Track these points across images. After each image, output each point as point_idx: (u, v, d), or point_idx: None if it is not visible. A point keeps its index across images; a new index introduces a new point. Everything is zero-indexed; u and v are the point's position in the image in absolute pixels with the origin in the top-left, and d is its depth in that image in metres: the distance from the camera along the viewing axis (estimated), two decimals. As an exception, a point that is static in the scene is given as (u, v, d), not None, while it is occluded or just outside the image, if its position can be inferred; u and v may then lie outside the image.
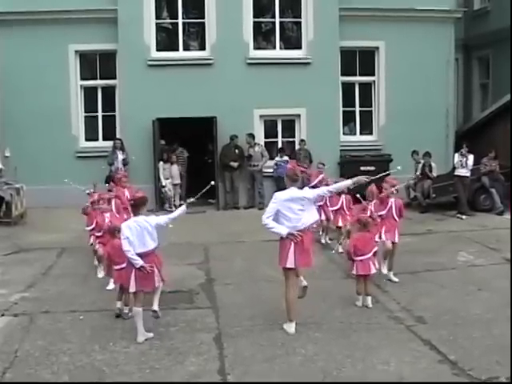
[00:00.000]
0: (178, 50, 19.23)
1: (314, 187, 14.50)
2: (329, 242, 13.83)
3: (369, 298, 9.35)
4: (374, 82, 20.33)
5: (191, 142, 20.94)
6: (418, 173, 18.25)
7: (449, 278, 10.87)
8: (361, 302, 9.29)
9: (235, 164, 18.74)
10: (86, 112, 19.69)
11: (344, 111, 20.17)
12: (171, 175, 19.06)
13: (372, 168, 18.49)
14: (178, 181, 19.32)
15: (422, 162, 18.30)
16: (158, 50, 19.10)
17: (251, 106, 18.90)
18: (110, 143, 18.67)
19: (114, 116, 19.52)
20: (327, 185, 13.89)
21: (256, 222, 14.60)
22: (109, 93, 19.62)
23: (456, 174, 17.16)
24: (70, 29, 18.55)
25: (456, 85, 22.55)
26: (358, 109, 20.55)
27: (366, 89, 20.50)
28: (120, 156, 18.19)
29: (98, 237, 10.95)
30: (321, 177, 14.69)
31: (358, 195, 12.04)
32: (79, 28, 18.53)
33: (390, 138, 19.60)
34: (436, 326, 8.43)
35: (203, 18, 19.09)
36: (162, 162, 18.84)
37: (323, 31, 18.95)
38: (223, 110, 18.46)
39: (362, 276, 9.40)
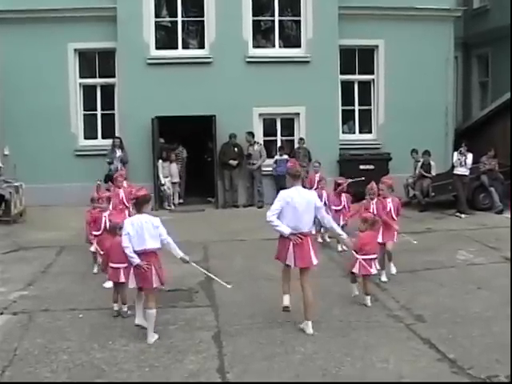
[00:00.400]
0: (177, 48, 19.22)
1: (315, 189, 14.67)
2: (328, 240, 13.82)
3: (368, 298, 9.35)
4: (374, 80, 20.32)
5: (190, 141, 20.96)
6: (417, 171, 18.27)
7: (448, 277, 10.88)
8: (356, 291, 9.32)
9: (234, 162, 18.73)
10: (85, 110, 19.68)
11: (343, 110, 20.16)
12: (170, 174, 19.08)
13: (371, 167, 18.55)
14: (177, 179, 19.35)
15: (421, 160, 18.31)
16: (157, 48, 19.08)
17: (250, 104, 18.89)
18: (109, 141, 18.65)
19: (114, 114, 19.49)
20: (320, 181, 14.09)
21: (255, 221, 14.72)
22: (108, 91, 19.61)
23: (455, 172, 17.15)
24: (70, 27, 18.53)
25: (455, 83, 22.54)
26: (357, 107, 20.54)
27: (366, 87, 20.49)
28: (119, 154, 18.17)
29: (96, 235, 10.93)
30: (318, 177, 14.71)
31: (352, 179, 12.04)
32: (78, 26, 18.51)
33: (389, 136, 19.59)
34: (435, 325, 8.43)
35: (202, 16, 19.08)
36: (161, 161, 18.84)
37: (322, 30, 18.94)
38: (222, 109, 18.43)
39: (363, 276, 9.39)
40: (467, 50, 24.77)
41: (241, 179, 19.11)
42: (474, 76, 24.88)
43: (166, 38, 19.56)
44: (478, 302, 9.47)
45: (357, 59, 20.30)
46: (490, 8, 23.53)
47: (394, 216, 10.79)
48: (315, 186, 14.82)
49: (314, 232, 13.98)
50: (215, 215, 17.91)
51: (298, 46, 19.49)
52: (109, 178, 14.78)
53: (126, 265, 8.42)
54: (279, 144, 19.64)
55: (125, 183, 13.23)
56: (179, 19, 19.16)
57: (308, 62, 19.15)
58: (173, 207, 18.79)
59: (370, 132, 20.56)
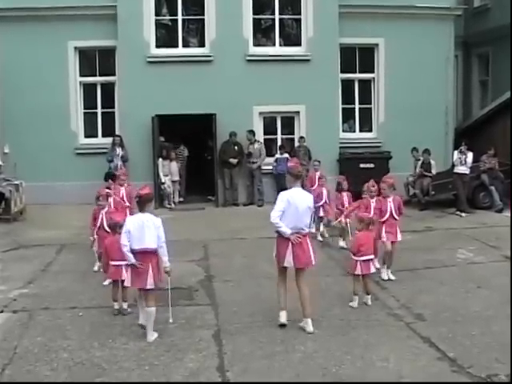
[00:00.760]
0: (177, 46, 19.22)
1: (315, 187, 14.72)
2: (326, 235, 13.82)
3: (368, 297, 9.35)
4: (374, 79, 20.31)
5: (191, 139, 20.96)
6: (417, 170, 18.27)
7: (448, 276, 10.88)
8: (356, 303, 9.24)
9: (234, 161, 18.73)
10: (85, 108, 19.66)
11: (343, 108, 20.15)
12: (170, 172, 19.06)
13: (371, 165, 18.55)
14: (177, 178, 19.34)
15: (422, 159, 18.31)
16: (157, 46, 19.08)
17: (251, 102, 18.89)
18: (109, 140, 18.64)
19: (114, 112, 19.48)
20: (320, 179, 14.11)
21: (255, 219, 14.75)
22: (108, 89, 19.59)
23: (455, 171, 17.15)
24: (70, 25, 18.52)
25: (455, 82, 22.54)
26: (357, 106, 20.53)
27: (366, 86, 20.49)
28: (119, 152, 18.16)
29: (96, 233, 10.92)
30: (318, 175, 14.74)
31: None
32: (78, 24, 18.50)
33: (389, 135, 19.58)
34: (435, 324, 8.44)
35: (203, 14, 19.07)
36: (161, 159, 18.83)
37: (323, 28, 18.94)
38: (223, 107, 18.43)
39: (363, 275, 9.37)
40: (467, 48, 24.76)
41: (241, 178, 19.10)
42: (475, 75, 24.87)
43: (166, 36, 19.55)
44: (478, 300, 9.47)
45: (357, 58, 20.29)
46: (490, 7, 23.52)
47: (396, 215, 10.76)
48: (316, 185, 14.87)
49: (313, 230, 14.13)
50: (215, 214, 17.91)
51: (299, 44, 19.48)
52: (109, 176, 14.75)
53: (126, 262, 8.42)
54: (279, 142, 19.62)
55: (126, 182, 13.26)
56: (179, 17, 19.15)
57: (308, 60, 19.14)
58: (173, 206, 18.78)
59: (371, 130, 20.55)
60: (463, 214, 16.83)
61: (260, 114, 19.39)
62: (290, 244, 8.10)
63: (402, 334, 8.09)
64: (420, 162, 18.36)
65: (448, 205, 17.67)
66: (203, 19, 19.09)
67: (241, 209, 18.58)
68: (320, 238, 13.79)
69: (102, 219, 10.66)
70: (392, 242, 10.71)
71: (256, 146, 18.85)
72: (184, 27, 19.33)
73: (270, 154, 19.27)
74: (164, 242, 7.99)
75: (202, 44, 19.28)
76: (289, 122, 19.86)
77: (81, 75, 19.47)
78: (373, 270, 9.51)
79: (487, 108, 21.72)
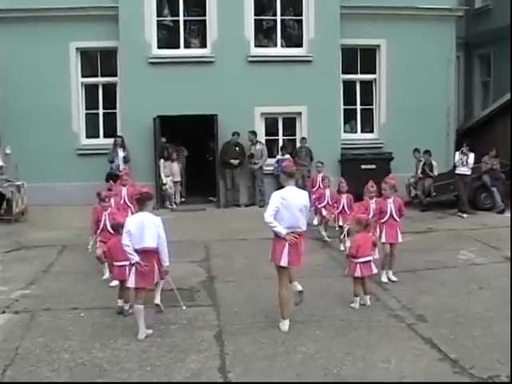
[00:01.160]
0: (179, 47, 19.22)
1: (319, 188, 14.74)
2: (328, 240, 13.81)
3: (367, 297, 9.34)
4: (375, 80, 20.30)
5: (192, 140, 20.97)
6: (419, 171, 18.26)
7: (449, 277, 10.88)
8: (358, 304, 9.24)
9: (236, 161, 18.73)
10: (86, 109, 19.68)
11: (345, 109, 20.16)
12: (172, 173, 19.06)
13: (373, 166, 18.55)
14: (178, 178, 19.35)
15: (423, 160, 18.30)
16: (159, 47, 19.07)
17: (252, 103, 18.89)
18: (110, 140, 18.64)
19: (115, 113, 19.50)
20: (323, 180, 14.14)
21: (257, 220, 14.64)
22: (110, 90, 19.60)
23: (457, 172, 17.13)
24: (71, 26, 18.53)
25: (457, 83, 22.55)
26: (358, 107, 20.52)
27: (367, 87, 20.48)
28: (121, 153, 18.18)
29: (98, 234, 10.90)
30: (320, 176, 14.77)
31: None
32: (80, 25, 18.51)
33: (390, 136, 19.58)
34: (437, 325, 8.44)
35: (204, 15, 19.07)
36: (162, 160, 18.84)
37: (324, 29, 18.93)
38: (224, 108, 18.43)
39: (363, 277, 9.37)
40: (469, 49, 24.75)
41: (242, 178, 19.11)
42: (476, 76, 24.86)
43: (167, 37, 19.54)
44: (479, 301, 9.47)
45: (358, 59, 20.28)
46: (491, 8, 23.50)
47: (396, 217, 10.73)
48: (317, 186, 14.89)
49: (315, 222, 14.15)
50: (217, 214, 17.92)
51: (300, 45, 19.47)
52: (110, 177, 14.76)
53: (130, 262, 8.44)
54: (281, 143, 19.61)
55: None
56: (181, 18, 19.15)
57: (310, 61, 19.13)
58: (174, 206, 18.78)
59: (372, 131, 20.54)
60: (465, 215, 16.82)
61: (261, 114, 19.39)
62: (287, 244, 8.11)
63: (403, 335, 8.09)
64: (421, 163, 18.35)
65: (449, 206, 17.66)
66: (205, 20, 19.09)
67: (242, 210, 18.58)
68: (327, 239, 13.80)
69: (105, 220, 10.65)
70: (392, 244, 10.69)
71: (258, 146, 18.85)
72: (185, 28, 19.33)
73: (271, 154, 19.27)
74: (164, 241, 8.00)
75: (203, 45, 19.27)
76: (290, 123, 19.85)
77: (82, 76, 19.48)
78: (375, 271, 9.52)
79: (489, 109, 21.69)
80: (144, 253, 7.92)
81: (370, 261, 9.39)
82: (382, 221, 10.64)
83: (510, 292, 9.44)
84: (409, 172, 18.53)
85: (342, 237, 12.59)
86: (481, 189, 17.81)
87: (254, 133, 18.81)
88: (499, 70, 22.66)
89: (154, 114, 18.45)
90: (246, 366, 7.15)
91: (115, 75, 19.29)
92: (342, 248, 12.81)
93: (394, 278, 10.65)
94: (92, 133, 19.68)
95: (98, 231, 10.78)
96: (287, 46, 19.66)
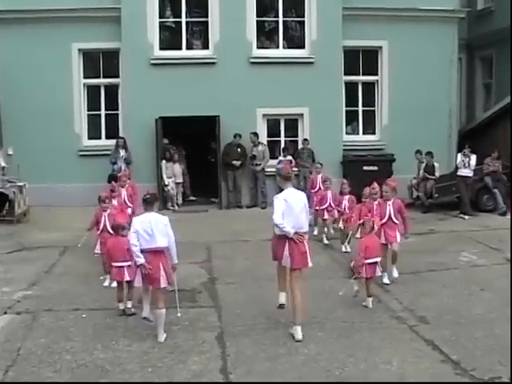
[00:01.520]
0: (181, 48, 19.23)
1: (319, 190, 14.73)
2: (327, 242, 13.81)
3: (370, 300, 9.35)
4: (377, 81, 20.29)
5: (194, 141, 20.97)
6: (421, 173, 18.26)
7: (451, 278, 10.88)
8: (370, 303, 9.29)
9: (237, 163, 18.73)
10: (88, 110, 19.69)
11: (347, 111, 20.14)
12: (174, 174, 19.07)
13: (375, 168, 18.54)
14: (180, 179, 19.35)
15: (425, 161, 18.30)
16: (161, 48, 19.09)
17: (254, 105, 18.89)
18: (112, 142, 18.67)
19: (117, 114, 19.50)
20: (325, 181, 14.13)
21: (259, 221, 14.72)
22: (112, 91, 19.62)
23: (459, 174, 17.15)
24: (74, 27, 18.54)
25: (459, 85, 22.53)
26: (360, 108, 20.51)
27: (369, 88, 20.48)
28: (123, 154, 18.18)
29: (98, 235, 10.90)
30: (320, 178, 14.78)
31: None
32: (82, 26, 18.53)
33: (392, 137, 19.56)
34: (438, 326, 8.44)
35: (206, 16, 19.08)
36: (164, 161, 18.85)
37: (326, 31, 18.93)
38: (226, 109, 18.44)
39: (367, 278, 9.38)
40: (471, 51, 24.74)
41: (244, 180, 19.10)
42: (478, 77, 24.86)
43: (170, 38, 19.57)
44: (481, 303, 9.47)
45: (361, 60, 20.27)
46: (493, 9, 23.50)
47: (394, 219, 10.72)
48: (317, 188, 14.88)
49: (315, 233, 14.14)
50: (219, 216, 17.92)
51: (302, 46, 19.47)
52: (112, 178, 14.78)
53: (129, 263, 8.44)
54: (283, 145, 19.61)
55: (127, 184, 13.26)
56: (183, 20, 19.16)
57: (312, 62, 19.13)
58: (176, 208, 18.80)
59: (374, 133, 20.53)
60: (466, 217, 16.82)
61: (263, 116, 19.40)
62: (287, 244, 8.13)
63: (405, 337, 8.10)
64: (423, 165, 18.35)
65: (451, 207, 17.66)
66: (207, 21, 19.10)
67: (244, 211, 18.59)
68: (326, 241, 13.81)
69: (105, 221, 10.65)
70: (391, 243, 10.69)
71: (260, 148, 18.85)
72: (188, 29, 19.34)
73: (273, 156, 19.24)
74: (173, 240, 8.04)
75: (205, 46, 19.28)
76: (292, 125, 19.86)
77: (84, 77, 19.49)
78: (378, 273, 9.54)
79: (490, 111, 21.69)
80: (152, 253, 7.93)
81: (376, 262, 9.41)
82: (381, 222, 10.64)
83: (511, 294, 9.44)
84: (411, 173, 18.52)
85: (346, 239, 12.60)
86: (483, 190, 17.81)
87: (255, 134, 18.81)
88: (501, 71, 22.64)
89: (155, 115, 18.46)
90: (248, 367, 7.16)
91: (117, 76, 19.30)
92: (344, 250, 12.83)
93: (395, 275, 10.65)
94: (94, 134, 19.69)
95: (98, 232, 10.78)
96: (289, 48, 19.66)
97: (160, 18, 19.13)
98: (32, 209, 17.04)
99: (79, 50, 19.11)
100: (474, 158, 16.97)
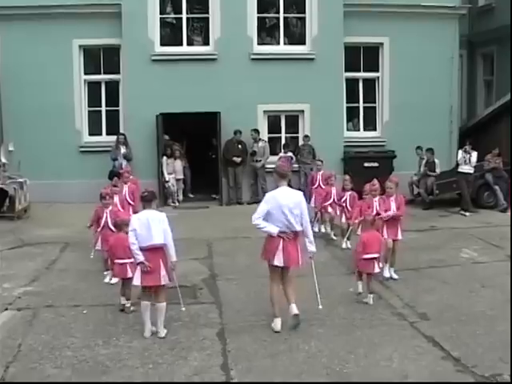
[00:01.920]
0: (181, 45, 19.21)
1: (318, 187, 14.74)
2: (334, 238, 13.82)
3: (371, 296, 9.35)
4: (378, 78, 20.27)
5: (195, 138, 20.96)
6: (422, 169, 18.26)
7: (452, 275, 10.88)
8: (371, 300, 9.29)
9: (238, 159, 18.72)
10: (89, 107, 19.66)
11: (348, 107, 20.13)
12: (174, 170, 19.07)
13: (376, 164, 18.54)
14: (181, 176, 19.35)
15: (426, 158, 18.30)
16: (161, 44, 19.06)
17: (255, 101, 18.88)
18: (113, 138, 18.65)
19: (118, 111, 19.48)
20: (328, 180, 14.13)
21: (259, 218, 14.65)
22: (112, 87, 19.60)
23: (459, 170, 17.13)
24: (74, 23, 18.51)
25: (460, 81, 22.50)
26: (361, 105, 20.51)
27: (370, 85, 20.47)
28: (123, 151, 18.18)
29: (99, 232, 10.86)
30: (320, 174, 14.80)
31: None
32: (83, 23, 18.49)
33: (393, 134, 19.55)
34: (439, 323, 8.44)
35: (207, 13, 19.06)
36: (165, 157, 18.84)
37: (327, 27, 18.90)
38: (227, 106, 18.43)
39: (366, 274, 9.40)
40: (472, 48, 24.70)
41: (245, 176, 19.08)
42: (479, 74, 24.82)
43: (170, 34, 19.54)
44: (481, 300, 9.47)
45: (362, 57, 20.26)
46: (495, 6, 23.45)
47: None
48: (317, 184, 14.89)
49: (316, 229, 14.15)
50: (219, 212, 17.92)
51: (303, 43, 19.45)
52: (113, 175, 14.77)
53: (132, 260, 8.42)
54: (284, 141, 19.60)
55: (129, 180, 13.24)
56: (184, 16, 19.14)
57: (313, 59, 19.12)
58: (177, 204, 18.80)
59: (375, 129, 20.52)
60: (467, 214, 16.81)
61: (264, 112, 19.39)
62: (281, 242, 8.11)
63: (405, 334, 8.10)
64: (424, 161, 18.34)
65: (452, 204, 17.65)
66: (208, 18, 19.08)
67: (245, 207, 18.52)
68: (333, 237, 13.83)
69: (107, 218, 10.62)
70: (393, 240, 10.69)
71: (260, 144, 18.85)
72: (188, 26, 19.32)
73: (274, 152, 19.23)
74: (170, 237, 8.01)
75: (206, 42, 19.26)
76: (293, 121, 19.85)
77: (85, 73, 19.46)
78: (377, 269, 9.54)
79: (491, 107, 21.65)
80: (151, 250, 7.92)
81: (375, 258, 9.42)
82: (384, 218, 10.65)
83: (511, 290, 9.44)
84: (411, 170, 18.52)
85: (347, 235, 12.63)
86: (483, 187, 17.80)
87: (256, 131, 18.81)
88: (502, 68, 22.61)
89: (156, 111, 18.44)
90: (249, 363, 7.16)
91: (118, 73, 19.29)
92: (344, 246, 12.84)
93: (395, 276, 10.65)
94: (95, 130, 19.67)
95: (99, 229, 10.75)
96: (290, 44, 19.65)
97: (161, 14, 19.10)
98: (33, 205, 17.04)
99: (80, 46, 19.07)
100: (474, 154, 16.96)
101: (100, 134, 19.69)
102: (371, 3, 19.19)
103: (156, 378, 6.86)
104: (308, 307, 8.52)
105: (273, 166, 18.51)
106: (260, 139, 18.88)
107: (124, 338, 7.96)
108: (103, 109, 19.73)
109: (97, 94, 19.66)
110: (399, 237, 10.72)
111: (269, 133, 19.65)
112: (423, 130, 19.27)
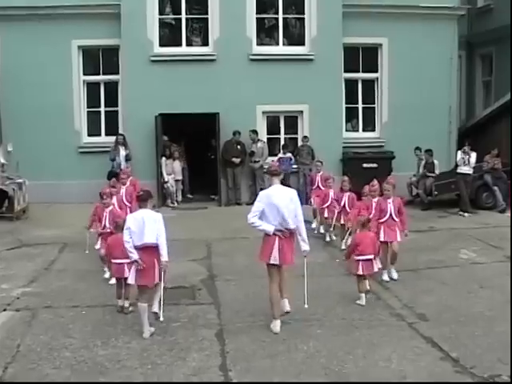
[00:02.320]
0: (180, 45, 19.21)
1: (317, 188, 14.75)
2: (334, 238, 13.82)
3: (363, 296, 9.31)
4: (377, 78, 20.27)
5: (194, 138, 20.95)
6: (420, 170, 18.26)
7: (451, 276, 10.88)
8: (364, 301, 9.27)
9: (237, 160, 18.71)
10: (88, 107, 19.65)
11: (347, 108, 20.13)
12: (173, 171, 19.07)
13: (374, 165, 18.54)
14: (179, 177, 19.35)
15: (424, 158, 18.31)
16: (160, 45, 19.06)
17: (254, 102, 18.87)
18: (112, 138, 18.63)
19: (117, 111, 19.47)
20: (327, 180, 14.12)
21: (258, 219, 14.66)
22: (111, 88, 19.59)
23: (458, 171, 17.13)
24: (73, 24, 18.51)
25: (459, 82, 22.52)
26: (360, 105, 20.50)
27: (369, 86, 20.47)
28: (122, 152, 18.17)
29: (100, 233, 10.87)
30: (319, 175, 14.79)
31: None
32: (82, 23, 18.49)
33: (392, 134, 19.55)
34: (438, 324, 8.44)
35: (206, 13, 19.05)
36: (164, 158, 18.84)
37: (326, 28, 18.90)
38: (226, 106, 18.43)
39: (362, 275, 9.39)
40: (471, 48, 24.72)
41: (244, 177, 19.08)
42: (478, 75, 24.83)
43: (169, 35, 19.53)
44: (480, 301, 9.47)
45: (361, 57, 20.26)
46: (493, 7, 23.45)
47: (395, 217, 10.72)
48: (315, 185, 14.89)
49: (314, 226, 14.15)
50: (218, 213, 17.91)
51: (302, 44, 19.45)
52: (112, 175, 14.76)
53: (129, 260, 8.42)
54: (283, 142, 19.60)
55: (128, 182, 13.20)
56: (183, 16, 19.14)
57: (312, 60, 19.12)
58: (176, 204, 18.80)
59: (374, 130, 20.52)
60: (466, 214, 16.81)
61: (263, 113, 19.38)
62: (277, 240, 8.13)
63: (404, 334, 8.10)
64: (423, 162, 18.35)
65: (451, 205, 17.64)
66: (207, 18, 19.07)
67: (244, 208, 18.46)
68: (328, 239, 13.83)
69: (106, 218, 10.63)
70: (391, 242, 10.68)
71: (259, 145, 18.84)
72: (188, 26, 19.31)
73: (273, 153, 19.23)
74: (163, 237, 8.00)
75: (205, 43, 19.25)
76: (292, 122, 19.84)
77: (84, 74, 19.45)
78: (375, 269, 9.54)
79: (490, 108, 21.66)
80: (145, 249, 7.92)
81: (371, 259, 9.41)
82: (382, 220, 10.66)
83: (510, 291, 9.44)
84: (410, 171, 18.52)
85: (345, 235, 12.62)
86: (482, 188, 17.80)
87: (254, 131, 18.80)
88: (501, 69, 22.62)
89: (155, 112, 18.44)
90: (247, 364, 7.16)
91: (117, 73, 19.27)
92: (344, 247, 12.82)
93: (395, 276, 10.65)
94: (94, 131, 19.66)
95: (101, 229, 10.76)
96: (289, 45, 19.64)
97: (160, 14, 19.11)
98: (31, 206, 17.03)
99: (79, 46, 19.07)
100: (473, 155, 16.96)
101: (99, 135, 19.69)
102: (370, 4, 19.19)
103: (155, 379, 6.86)
104: (308, 308, 8.51)
105: (272, 166, 18.73)
106: (258, 140, 18.87)
107: (123, 339, 7.96)
108: (102, 109, 19.73)
109: (96, 95, 19.66)
110: (398, 238, 10.71)
111: (268, 133, 19.65)
112: (422, 130, 19.28)
